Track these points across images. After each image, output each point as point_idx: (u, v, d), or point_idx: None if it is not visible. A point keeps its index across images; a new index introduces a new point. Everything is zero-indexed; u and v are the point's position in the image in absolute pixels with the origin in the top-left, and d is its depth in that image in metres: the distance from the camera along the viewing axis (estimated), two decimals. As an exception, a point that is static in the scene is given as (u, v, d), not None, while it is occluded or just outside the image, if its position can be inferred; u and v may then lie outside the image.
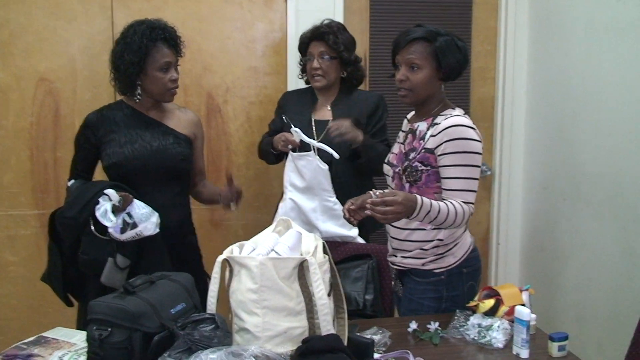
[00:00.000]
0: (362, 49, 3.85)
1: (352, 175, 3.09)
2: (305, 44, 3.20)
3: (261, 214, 3.70)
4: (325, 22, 3.17)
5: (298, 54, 3.31)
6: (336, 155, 2.90)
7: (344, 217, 2.60)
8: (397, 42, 2.54)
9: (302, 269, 2.02)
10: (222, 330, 1.85)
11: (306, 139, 2.95)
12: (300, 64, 3.31)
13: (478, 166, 2.43)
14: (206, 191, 2.98)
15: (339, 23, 3.22)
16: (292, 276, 1.99)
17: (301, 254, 2.07)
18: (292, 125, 2.98)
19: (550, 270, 3.70)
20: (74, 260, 2.50)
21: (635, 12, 2.98)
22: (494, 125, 4.05)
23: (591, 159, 3.32)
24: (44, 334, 2.15)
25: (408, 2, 3.89)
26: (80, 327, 2.58)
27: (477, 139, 2.42)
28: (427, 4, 3.91)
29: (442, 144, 2.40)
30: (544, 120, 3.80)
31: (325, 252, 2.16)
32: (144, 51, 2.59)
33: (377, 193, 2.27)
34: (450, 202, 2.33)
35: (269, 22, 3.71)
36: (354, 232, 3.06)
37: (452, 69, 2.48)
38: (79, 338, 2.11)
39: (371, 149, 3.00)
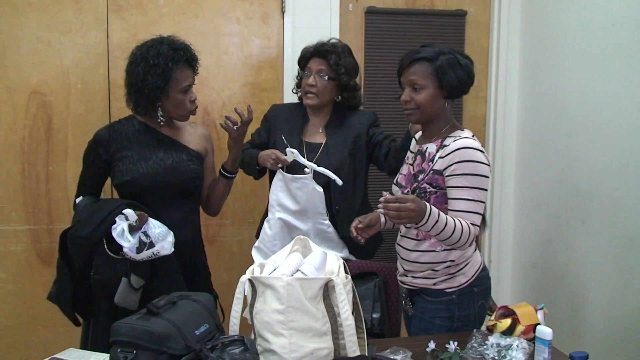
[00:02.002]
0: (357, 66, 3.87)
1: (348, 200, 3.03)
2: (305, 58, 3.07)
3: (256, 230, 3.67)
4: (332, 41, 3.07)
5: (294, 70, 3.24)
6: (339, 182, 2.86)
7: (351, 235, 2.60)
8: (401, 63, 2.56)
9: (326, 289, 2.01)
10: (252, 352, 1.83)
11: (305, 162, 2.90)
12: (296, 78, 3.20)
13: (485, 189, 2.44)
14: (217, 185, 2.88)
15: (345, 45, 3.10)
16: (317, 296, 1.97)
17: (325, 274, 2.06)
18: (289, 146, 2.93)
19: (543, 289, 3.74)
20: (84, 280, 2.45)
21: (630, 36, 3.04)
22: (485, 143, 4.09)
23: (585, 178, 3.36)
24: (57, 356, 2.07)
25: (403, 21, 3.92)
26: (85, 347, 2.52)
27: (486, 162, 2.43)
28: (421, 23, 3.95)
29: (450, 165, 2.40)
30: (537, 139, 3.85)
31: (346, 271, 2.15)
32: (168, 74, 2.54)
33: (388, 194, 2.27)
34: (458, 219, 2.34)
35: (265, 38, 3.70)
36: (345, 255, 3.03)
37: (453, 87, 2.49)
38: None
39: None
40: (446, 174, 2.42)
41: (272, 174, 3.05)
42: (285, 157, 2.89)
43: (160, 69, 2.52)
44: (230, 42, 3.67)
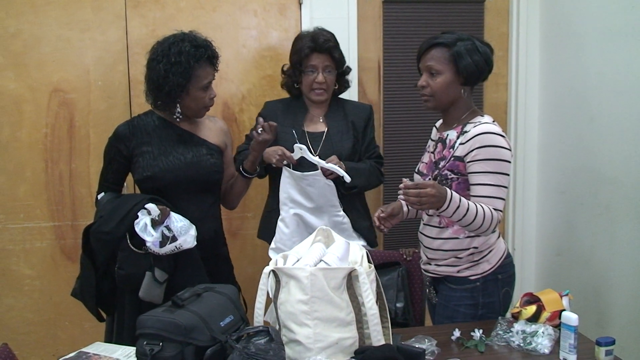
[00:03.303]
0: (375, 55, 3.86)
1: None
2: (304, 54, 3.00)
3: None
4: (322, 32, 3.04)
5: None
6: (347, 178, 2.81)
7: (374, 225, 2.60)
8: (419, 49, 2.57)
9: (349, 278, 2.01)
10: (277, 343, 1.83)
11: (312, 159, 2.83)
12: (286, 73, 3.15)
13: (507, 174, 2.42)
14: (235, 183, 2.87)
15: (330, 32, 3.09)
16: (341, 286, 1.98)
17: (348, 264, 2.06)
18: (298, 141, 2.89)
19: (568, 276, 3.71)
20: (107, 275, 2.46)
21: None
22: (507, 130, 4.05)
23: (609, 163, 3.32)
24: (84, 350, 2.09)
25: (421, 10, 3.89)
26: (110, 341, 2.54)
27: (507, 146, 2.41)
28: (439, 11, 3.91)
29: (471, 151, 2.39)
30: (559, 125, 3.81)
31: (369, 261, 2.15)
32: (190, 73, 2.53)
33: (407, 181, 2.26)
34: (480, 205, 2.33)
35: (283, 30, 3.70)
36: (363, 244, 3.01)
37: (470, 72, 2.48)
38: (121, 353, 2.06)
39: (358, 174, 2.94)
40: (467, 160, 2.41)
41: (275, 173, 3.01)
42: (291, 154, 2.85)
43: (182, 68, 2.51)
44: (248, 35, 3.67)
